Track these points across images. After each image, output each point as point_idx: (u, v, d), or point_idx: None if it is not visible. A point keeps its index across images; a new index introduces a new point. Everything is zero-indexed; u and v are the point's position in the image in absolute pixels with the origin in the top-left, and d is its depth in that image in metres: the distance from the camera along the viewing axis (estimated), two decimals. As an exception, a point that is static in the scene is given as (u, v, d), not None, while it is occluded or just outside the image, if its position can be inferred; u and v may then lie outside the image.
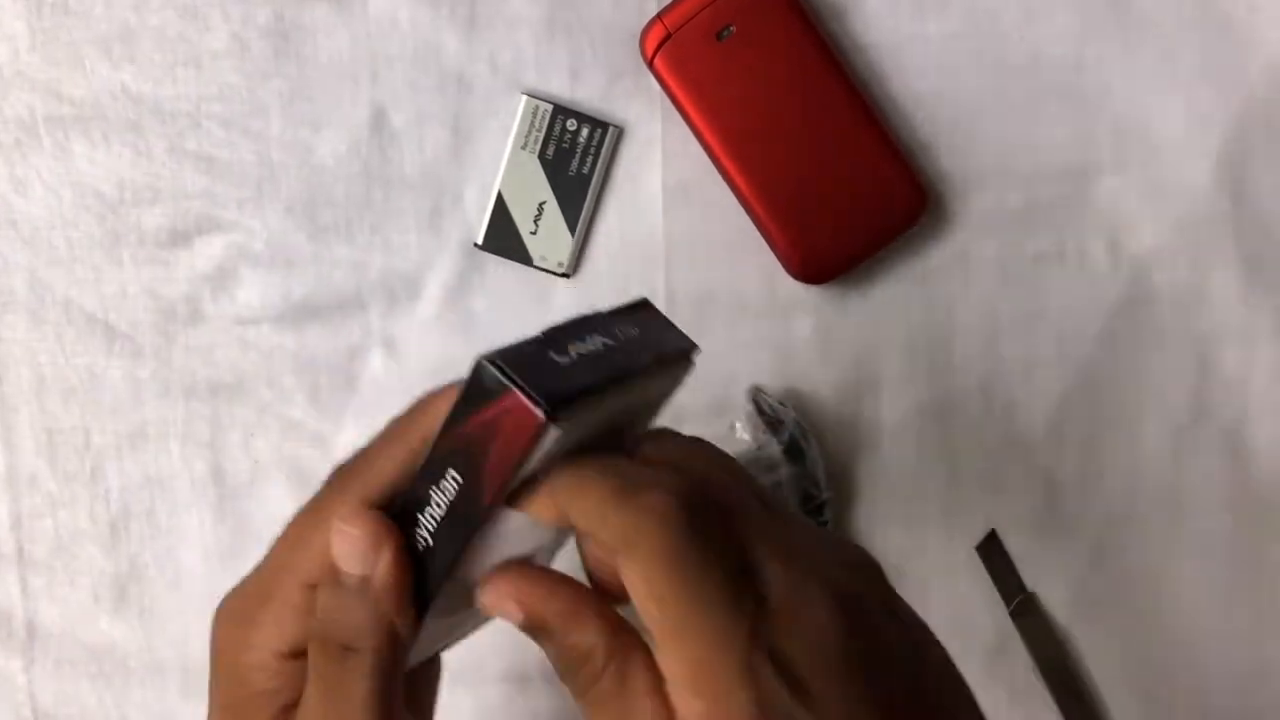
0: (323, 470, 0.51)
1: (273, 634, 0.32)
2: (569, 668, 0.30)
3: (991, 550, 0.52)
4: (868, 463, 0.52)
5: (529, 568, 0.31)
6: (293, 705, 0.32)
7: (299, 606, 0.32)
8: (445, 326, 0.51)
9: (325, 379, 0.51)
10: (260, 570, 0.34)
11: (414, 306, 0.51)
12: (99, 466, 0.52)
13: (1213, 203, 0.51)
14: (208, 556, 0.52)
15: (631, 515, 0.28)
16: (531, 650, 0.45)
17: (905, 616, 0.31)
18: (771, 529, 0.30)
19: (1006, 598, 0.53)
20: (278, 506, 0.52)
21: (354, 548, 0.31)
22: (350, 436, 0.51)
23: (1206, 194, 0.51)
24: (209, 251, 0.50)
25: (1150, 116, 0.50)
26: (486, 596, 0.31)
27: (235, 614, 0.33)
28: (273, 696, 0.33)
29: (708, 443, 0.32)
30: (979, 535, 0.52)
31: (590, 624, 0.30)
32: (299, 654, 0.32)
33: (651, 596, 0.28)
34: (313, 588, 0.32)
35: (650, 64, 0.48)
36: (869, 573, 0.31)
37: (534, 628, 0.30)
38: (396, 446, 0.32)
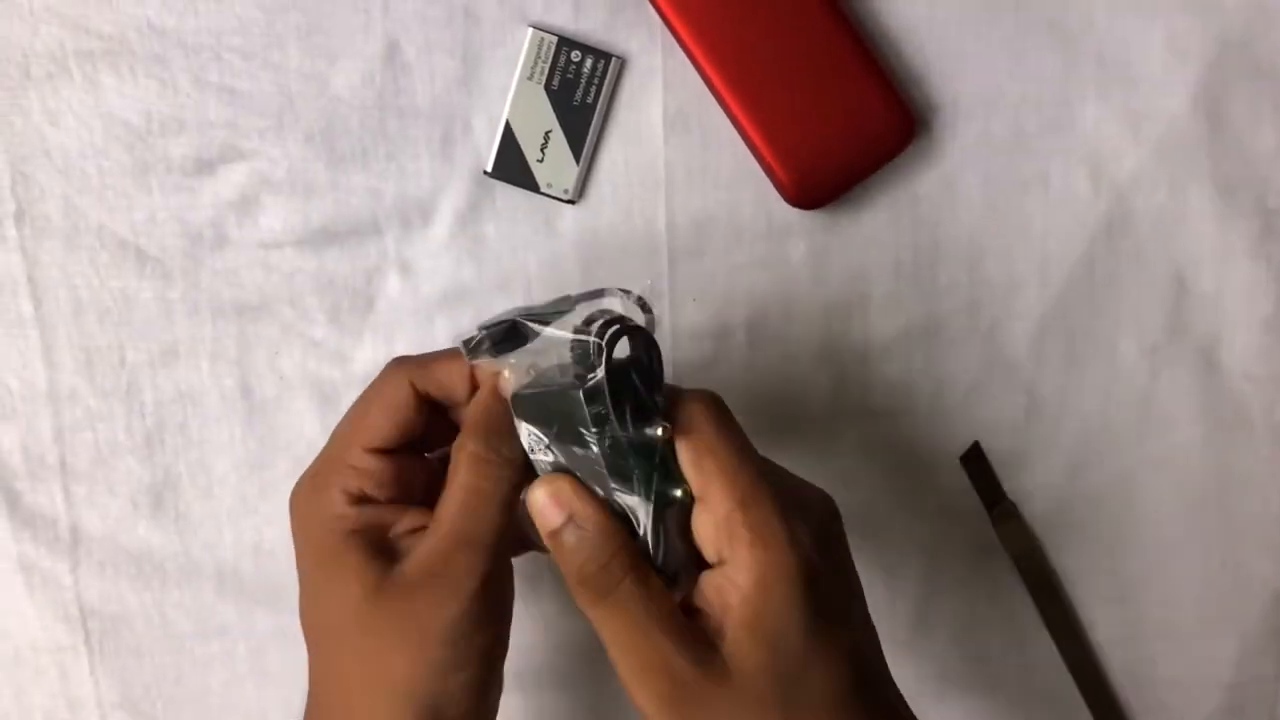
0: (343, 384, 0.55)
1: (347, 486, 0.42)
2: (592, 570, 0.38)
3: (974, 460, 0.55)
4: (858, 379, 0.55)
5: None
6: (379, 546, 0.42)
7: (361, 464, 0.42)
8: (457, 250, 0.54)
9: (344, 300, 0.54)
10: (328, 448, 0.44)
11: (427, 231, 0.53)
12: (134, 382, 0.55)
13: (1190, 130, 0.53)
14: (237, 466, 0.56)
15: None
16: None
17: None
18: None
19: (988, 505, 0.56)
20: (302, 419, 0.55)
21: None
22: (369, 353, 0.54)
23: (1185, 121, 0.53)
24: (233, 179, 0.53)
25: (1132, 47, 0.52)
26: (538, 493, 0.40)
27: (306, 487, 0.43)
28: (358, 535, 0.42)
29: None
30: (963, 446, 0.55)
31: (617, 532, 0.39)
32: (363, 500, 0.42)
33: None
34: (373, 451, 0.42)
35: (651, -3, 0.51)
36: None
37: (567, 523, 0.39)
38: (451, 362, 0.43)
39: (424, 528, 0.42)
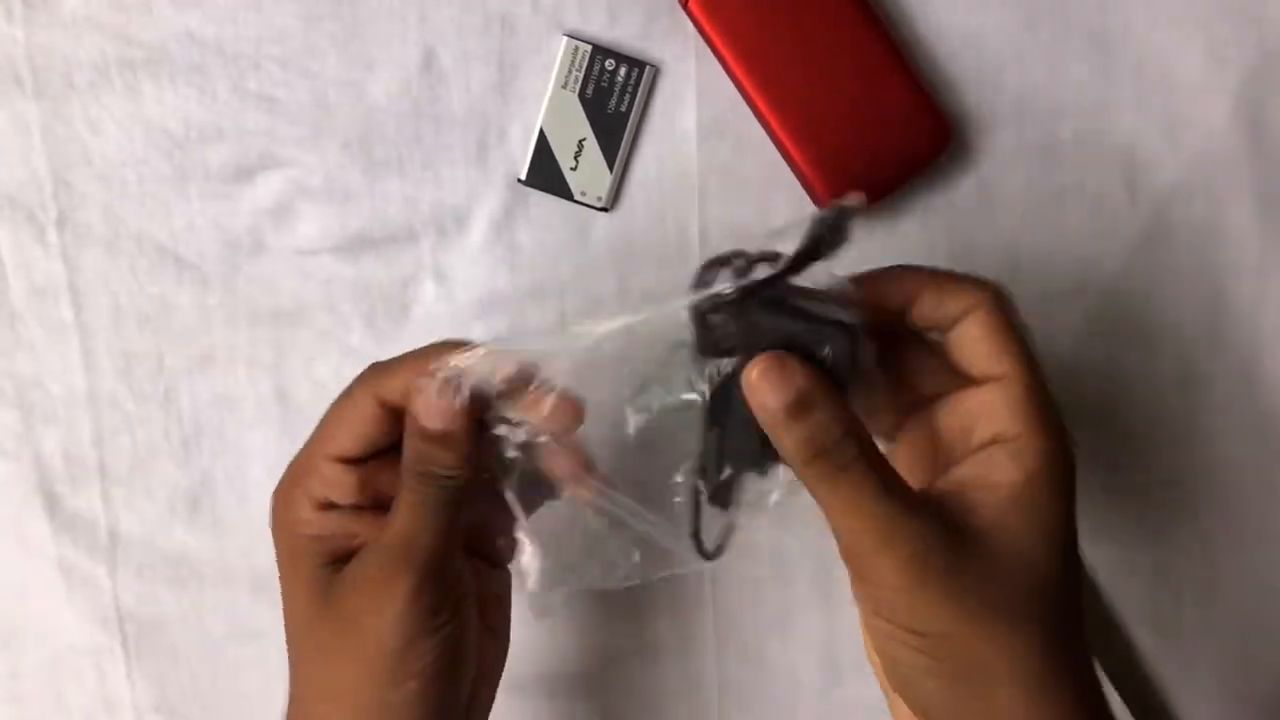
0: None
1: (312, 492, 0.42)
2: (824, 445, 0.36)
3: None
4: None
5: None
6: (338, 554, 0.41)
7: (327, 473, 0.41)
8: (492, 257, 0.54)
9: (380, 306, 0.54)
10: (300, 453, 0.43)
11: (462, 238, 0.54)
12: (172, 388, 0.55)
13: (1230, 141, 0.52)
14: (273, 471, 0.55)
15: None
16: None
17: None
18: None
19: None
20: (337, 426, 0.55)
21: (433, 411, 0.39)
22: (403, 361, 0.55)
23: (1224, 132, 0.52)
24: (270, 186, 0.53)
25: (1170, 56, 0.52)
26: (755, 374, 0.36)
27: (281, 490, 0.43)
28: (317, 542, 0.41)
29: None
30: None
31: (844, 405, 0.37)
32: (329, 506, 0.41)
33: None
34: (338, 461, 0.41)
35: (685, 5, 0.50)
36: None
37: (800, 403, 0.36)
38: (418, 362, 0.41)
39: None
